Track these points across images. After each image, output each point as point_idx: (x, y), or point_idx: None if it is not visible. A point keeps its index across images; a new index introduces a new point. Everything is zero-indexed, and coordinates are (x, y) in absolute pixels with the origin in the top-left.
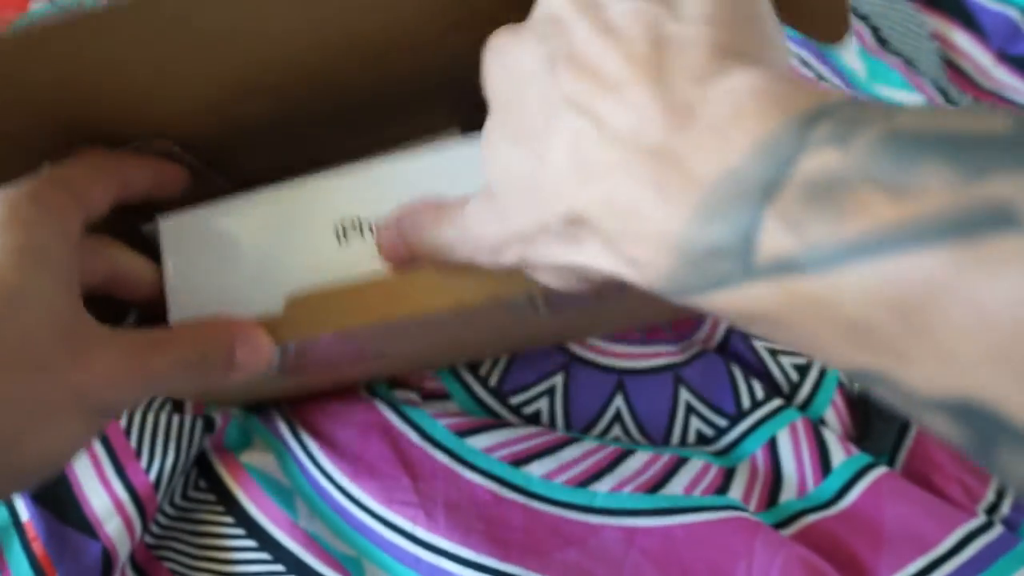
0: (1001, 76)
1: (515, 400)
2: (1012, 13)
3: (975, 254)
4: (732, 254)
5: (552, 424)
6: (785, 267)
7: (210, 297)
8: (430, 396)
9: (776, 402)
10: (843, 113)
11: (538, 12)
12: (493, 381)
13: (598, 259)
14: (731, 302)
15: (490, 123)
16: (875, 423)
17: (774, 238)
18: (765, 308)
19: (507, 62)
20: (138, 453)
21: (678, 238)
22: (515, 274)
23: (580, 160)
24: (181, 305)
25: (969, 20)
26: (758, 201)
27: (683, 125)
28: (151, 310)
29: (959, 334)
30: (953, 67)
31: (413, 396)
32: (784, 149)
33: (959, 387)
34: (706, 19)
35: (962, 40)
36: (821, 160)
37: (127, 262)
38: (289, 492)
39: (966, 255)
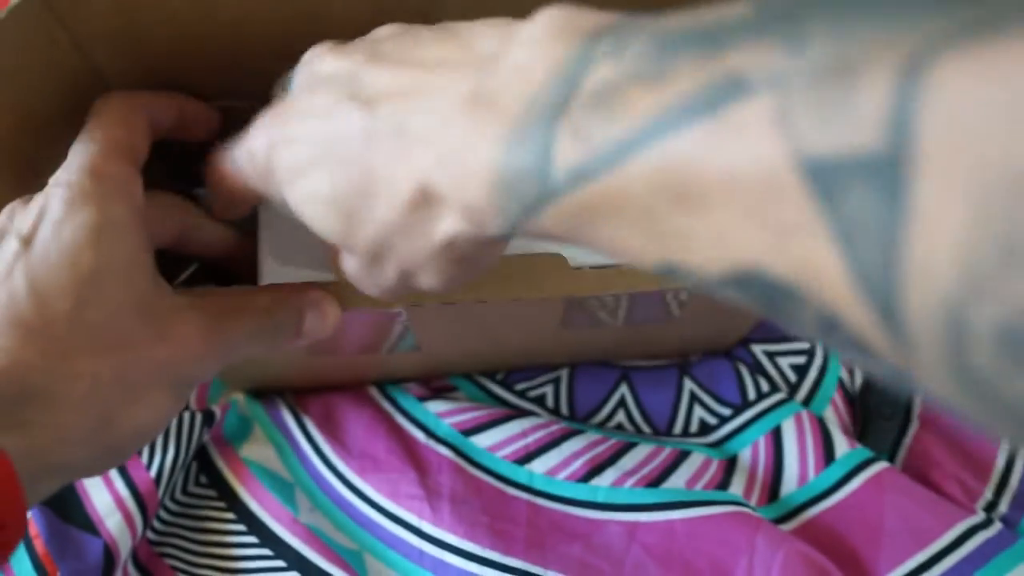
0: None
1: (520, 386)
2: None
3: (721, 125)
4: (536, 174)
5: (556, 409)
6: (579, 175)
7: (299, 254)
8: (437, 391)
9: (781, 394)
10: (622, 28)
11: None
12: (500, 375)
13: (454, 223)
14: (550, 221)
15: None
16: (875, 421)
17: (566, 150)
18: (574, 220)
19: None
20: (139, 450)
21: (493, 169)
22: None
23: (404, 136)
24: (272, 258)
25: None
26: (550, 120)
27: (492, 70)
28: (216, 263)
29: (721, 205)
30: None
31: (420, 391)
32: (571, 69)
33: (732, 258)
34: None
35: None
36: (601, 73)
37: (196, 222)
38: (290, 486)
39: (714, 127)
